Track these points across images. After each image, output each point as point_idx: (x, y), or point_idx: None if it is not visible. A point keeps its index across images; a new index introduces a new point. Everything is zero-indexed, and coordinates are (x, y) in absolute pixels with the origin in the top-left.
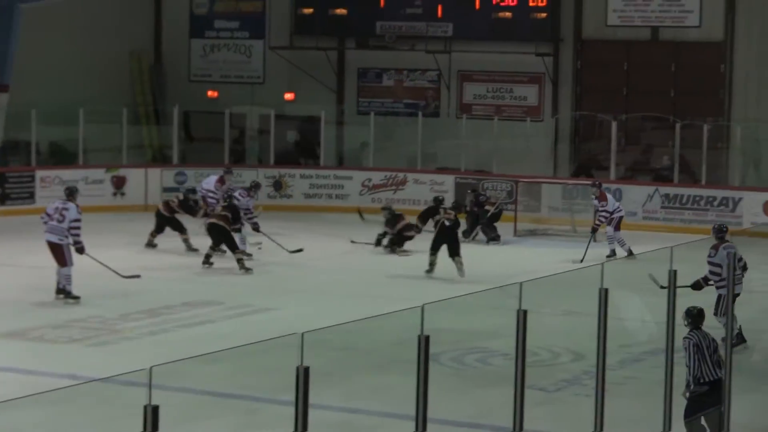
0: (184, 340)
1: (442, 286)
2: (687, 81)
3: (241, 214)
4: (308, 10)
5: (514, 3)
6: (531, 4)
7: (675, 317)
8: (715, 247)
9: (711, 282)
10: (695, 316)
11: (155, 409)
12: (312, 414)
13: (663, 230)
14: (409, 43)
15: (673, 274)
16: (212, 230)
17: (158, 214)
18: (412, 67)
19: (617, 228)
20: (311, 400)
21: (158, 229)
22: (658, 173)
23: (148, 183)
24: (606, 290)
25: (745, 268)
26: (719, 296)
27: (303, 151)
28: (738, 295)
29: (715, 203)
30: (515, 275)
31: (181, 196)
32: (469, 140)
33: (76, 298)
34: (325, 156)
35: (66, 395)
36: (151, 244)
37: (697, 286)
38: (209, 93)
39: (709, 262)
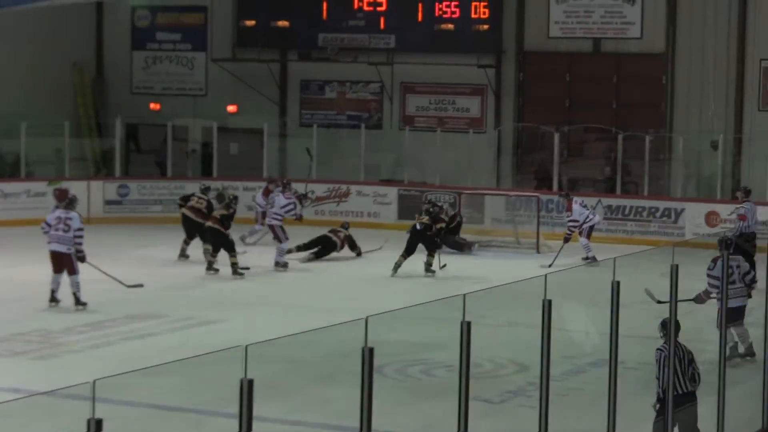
0: (128, 353)
1: (388, 298)
2: (629, 92)
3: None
4: (250, 22)
5: (456, 15)
6: (473, 16)
7: (618, 328)
8: (715, 260)
9: (713, 295)
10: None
11: (99, 423)
12: (256, 427)
13: (606, 241)
14: (352, 55)
15: (615, 286)
16: (210, 233)
17: (188, 220)
18: (354, 79)
19: (587, 236)
20: (256, 412)
21: (190, 237)
22: (601, 184)
23: (90, 196)
24: (550, 301)
25: (753, 281)
26: (719, 309)
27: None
28: (744, 307)
29: (658, 214)
30: (459, 287)
31: (205, 196)
32: (412, 152)
33: (84, 304)
34: (268, 168)
35: (8, 410)
36: (184, 254)
37: (698, 299)
38: (152, 105)
39: (709, 275)
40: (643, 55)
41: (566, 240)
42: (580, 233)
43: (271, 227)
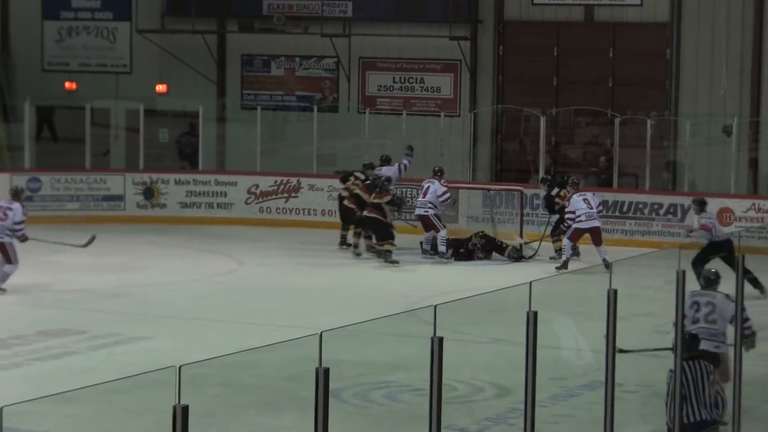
0: (40, 376)
1: (343, 312)
2: (627, 69)
3: None
4: None
5: None
6: None
7: (615, 345)
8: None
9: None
10: (686, 344)
11: None
12: None
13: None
14: (302, 26)
15: (612, 295)
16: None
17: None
18: (305, 54)
19: (570, 237)
20: None
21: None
22: (594, 176)
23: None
24: (535, 313)
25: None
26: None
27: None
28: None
29: (662, 211)
30: (427, 297)
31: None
32: (373, 139)
33: (4, 290)
34: (204, 158)
35: None
36: (346, 243)
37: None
38: (66, 84)
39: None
40: (643, 24)
41: (566, 236)
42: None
43: (422, 217)
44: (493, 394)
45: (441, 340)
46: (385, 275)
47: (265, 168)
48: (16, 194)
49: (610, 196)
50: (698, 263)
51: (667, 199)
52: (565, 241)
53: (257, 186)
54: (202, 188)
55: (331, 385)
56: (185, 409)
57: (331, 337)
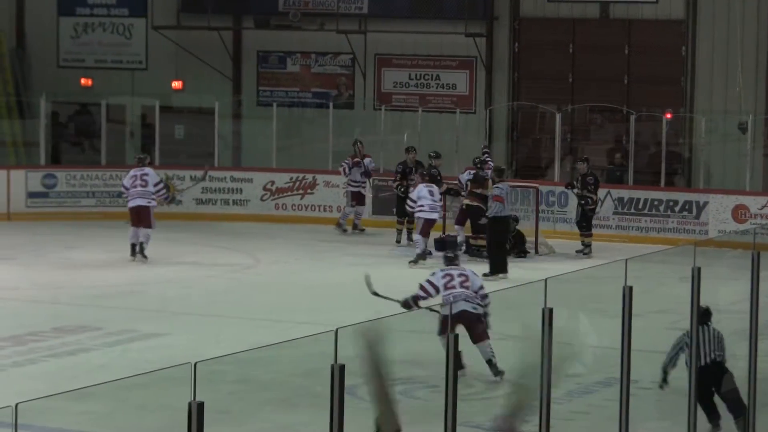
0: (55, 372)
1: (357, 308)
2: (643, 66)
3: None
4: None
5: None
6: None
7: (630, 342)
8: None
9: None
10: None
11: None
12: None
13: (617, 240)
14: (318, 22)
15: (627, 292)
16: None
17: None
18: (321, 51)
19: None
20: None
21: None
22: (609, 173)
23: (10, 188)
24: (550, 310)
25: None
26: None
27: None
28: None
29: (677, 208)
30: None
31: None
32: (389, 136)
33: (146, 257)
34: (220, 155)
35: None
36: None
37: (405, 304)
38: (82, 81)
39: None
40: (659, 21)
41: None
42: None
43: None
44: (509, 391)
45: (457, 337)
46: (402, 272)
47: (280, 165)
48: (140, 161)
49: (625, 193)
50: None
51: (682, 196)
52: (416, 236)
53: (273, 182)
54: (218, 185)
55: (347, 382)
56: (200, 406)
57: (346, 334)
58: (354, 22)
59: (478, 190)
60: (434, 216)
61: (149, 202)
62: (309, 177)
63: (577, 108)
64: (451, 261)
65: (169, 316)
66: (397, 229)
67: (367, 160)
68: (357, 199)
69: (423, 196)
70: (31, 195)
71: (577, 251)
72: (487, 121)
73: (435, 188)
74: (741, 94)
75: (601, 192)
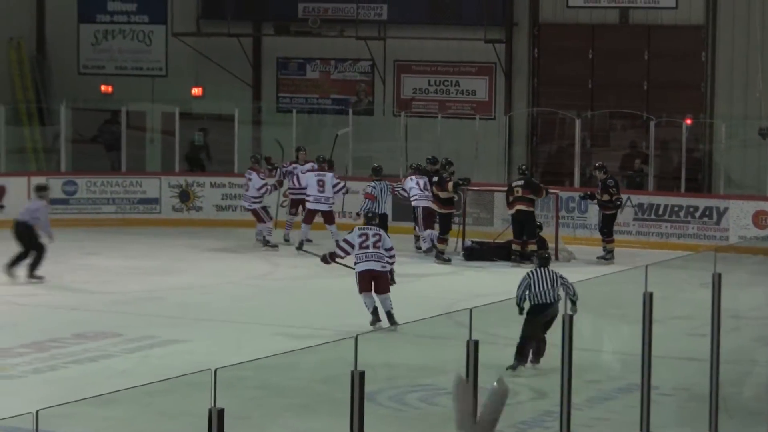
0: (76, 379)
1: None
2: (662, 71)
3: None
4: None
5: None
6: None
7: (651, 348)
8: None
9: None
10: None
11: None
12: None
13: (637, 246)
14: (337, 29)
15: (648, 298)
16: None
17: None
18: (340, 57)
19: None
20: None
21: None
22: (629, 179)
23: (31, 194)
24: (571, 316)
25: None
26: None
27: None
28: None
29: (697, 214)
30: (462, 300)
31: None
32: (408, 142)
33: (275, 246)
34: (239, 161)
35: None
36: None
37: (324, 259)
38: (102, 88)
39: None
40: (678, 27)
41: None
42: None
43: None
44: (528, 398)
45: (477, 343)
46: (420, 278)
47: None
48: (257, 161)
49: (645, 199)
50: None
51: (702, 202)
52: (304, 226)
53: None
54: (238, 191)
55: (367, 388)
56: (221, 412)
57: (366, 340)
58: (373, 29)
59: (443, 194)
60: (426, 203)
61: (250, 205)
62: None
63: (597, 114)
64: (369, 221)
65: (189, 322)
66: (416, 236)
67: (308, 166)
68: (296, 207)
69: (412, 187)
70: (52, 201)
71: (598, 257)
72: (507, 127)
73: (424, 179)
74: (761, 99)
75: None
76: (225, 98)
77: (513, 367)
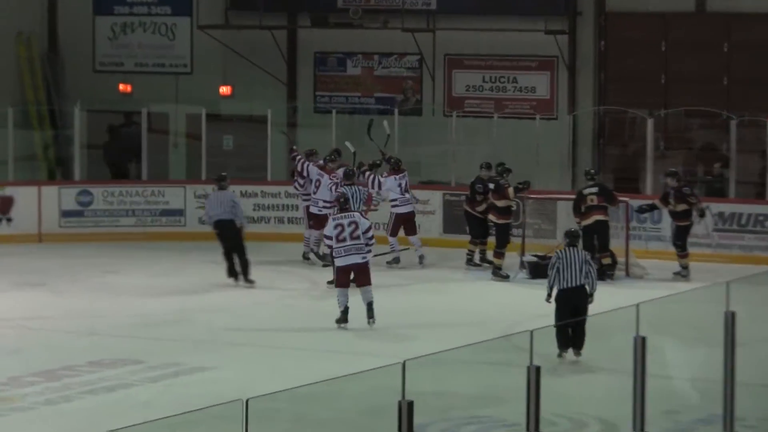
0: (92, 411)
1: (427, 338)
2: (744, 65)
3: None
4: None
5: None
6: None
7: (734, 373)
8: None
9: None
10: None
11: None
12: None
13: (716, 260)
14: (381, 20)
15: (730, 318)
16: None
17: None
18: (385, 51)
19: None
20: None
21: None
22: (708, 186)
23: (42, 206)
24: (643, 339)
25: None
26: None
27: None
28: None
29: None
30: (523, 321)
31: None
32: (461, 145)
33: (324, 258)
34: (273, 168)
35: None
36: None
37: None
38: (121, 87)
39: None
40: (761, 15)
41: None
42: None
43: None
44: (597, 430)
45: (538, 369)
46: (473, 296)
47: None
48: (332, 160)
49: (726, 207)
50: None
51: None
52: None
53: None
54: (271, 201)
55: (416, 420)
56: None
57: (415, 367)
58: (421, 20)
59: (501, 202)
60: (406, 210)
61: (320, 210)
62: (373, 191)
63: (671, 112)
64: (343, 207)
65: (217, 347)
66: (469, 250)
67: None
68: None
69: (391, 188)
70: (65, 214)
71: (674, 273)
72: (571, 127)
73: (405, 179)
74: None
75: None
76: (257, 98)
77: (559, 355)
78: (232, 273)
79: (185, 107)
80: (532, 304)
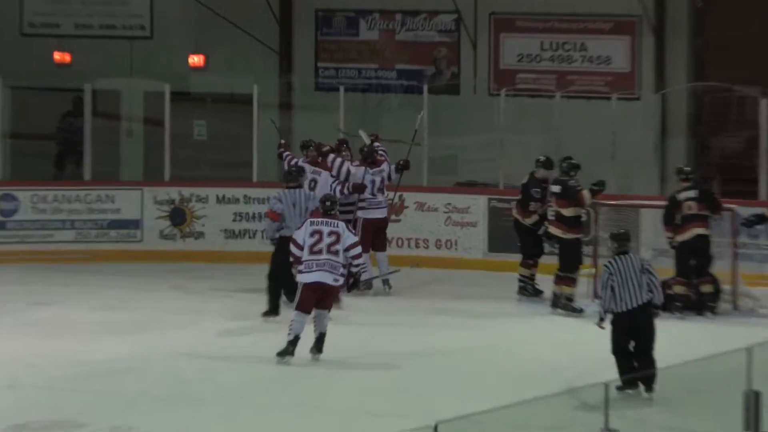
0: None
1: (466, 392)
2: None
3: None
4: None
5: None
6: None
7: None
8: None
9: None
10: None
11: None
12: None
13: None
14: None
15: None
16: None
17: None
18: (410, 8)
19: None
20: None
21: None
22: None
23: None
24: (756, 394)
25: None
26: None
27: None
28: None
29: None
30: (597, 369)
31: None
32: (511, 134)
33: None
34: (260, 165)
35: None
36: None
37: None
38: (56, 56)
39: None
40: None
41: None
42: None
43: None
44: None
45: None
46: (528, 335)
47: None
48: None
49: None
50: None
51: None
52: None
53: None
54: (258, 208)
55: None
56: None
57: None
58: None
59: (569, 210)
60: (377, 215)
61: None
62: (393, 196)
63: None
64: (327, 211)
65: (185, 403)
66: (521, 275)
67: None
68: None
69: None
70: None
71: None
72: (660, 110)
73: (383, 174)
74: None
75: None
76: (239, 71)
77: (620, 388)
78: (274, 308)
79: (143, 83)
80: (606, 346)
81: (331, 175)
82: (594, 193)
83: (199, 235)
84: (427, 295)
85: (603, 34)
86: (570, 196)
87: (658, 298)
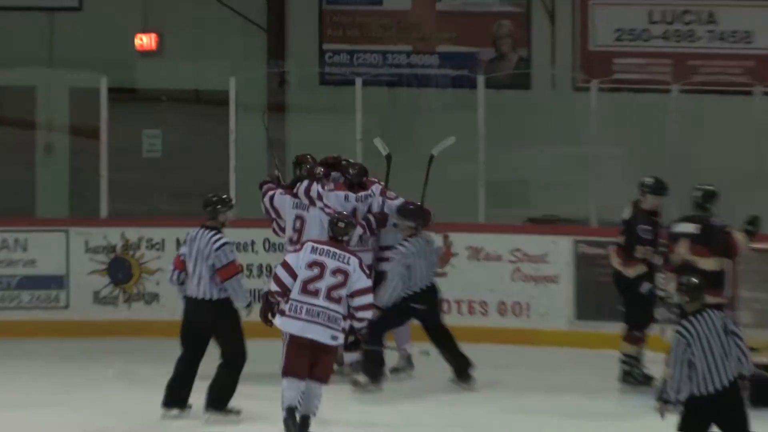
0: None
1: None
2: None
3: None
4: None
5: None
6: None
7: None
8: None
9: None
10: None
11: None
12: None
13: None
14: None
15: None
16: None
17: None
18: None
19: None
20: None
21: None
22: None
23: None
24: None
25: None
26: None
27: None
28: None
29: None
30: None
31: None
32: (607, 146)
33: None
34: (240, 192)
35: None
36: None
37: None
38: None
39: None
40: None
41: None
42: None
43: None
44: None
45: None
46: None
47: None
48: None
49: None
50: None
51: None
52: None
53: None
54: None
55: None
56: None
57: None
58: None
59: (709, 262)
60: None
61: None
62: (437, 238)
63: None
64: (337, 235)
65: None
66: (625, 353)
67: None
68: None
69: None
70: None
71: None
72: None
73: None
74: None
75: None
76: (208, 57)
77: None
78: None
79: (68, 75)
80: None
81: (325, 210)
82: (749, 236)
83: (152, 297)
84: (484, 386)
85: (736, 3)
86: (715, 240)
87: (748, 367)
